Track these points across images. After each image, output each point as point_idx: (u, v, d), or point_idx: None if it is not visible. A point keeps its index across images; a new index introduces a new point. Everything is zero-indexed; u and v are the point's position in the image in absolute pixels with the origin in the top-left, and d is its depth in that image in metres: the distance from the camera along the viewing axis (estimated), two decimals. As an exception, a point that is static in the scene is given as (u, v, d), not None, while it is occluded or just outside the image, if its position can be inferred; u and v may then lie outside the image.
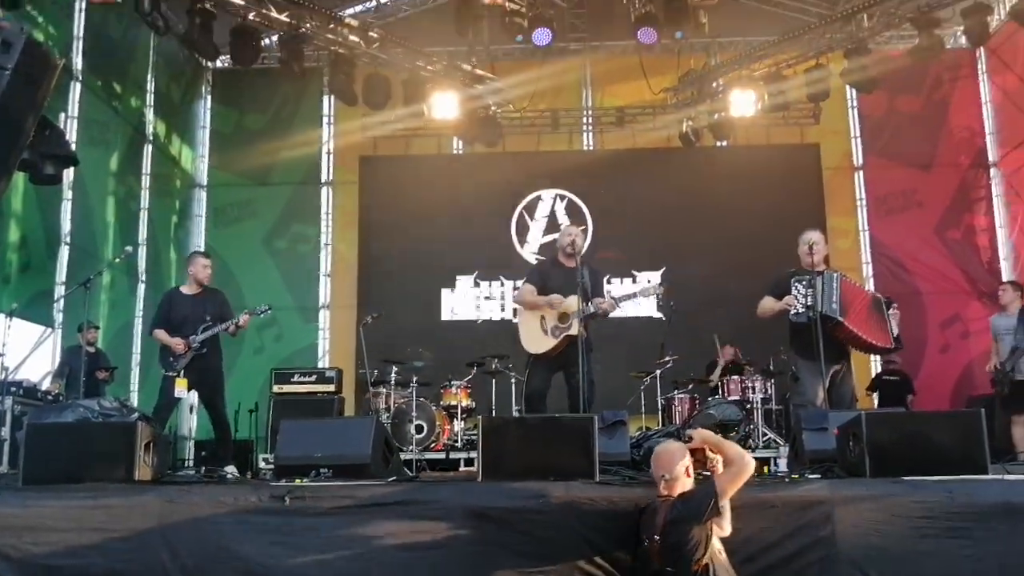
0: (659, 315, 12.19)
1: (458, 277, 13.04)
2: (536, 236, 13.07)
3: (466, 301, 12.99)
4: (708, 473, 3.85)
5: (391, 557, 4.00)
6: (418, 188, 13.18)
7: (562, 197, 13.34)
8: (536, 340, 6.47)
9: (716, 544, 3.61)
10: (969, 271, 12.82)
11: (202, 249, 12.63)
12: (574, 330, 6.21)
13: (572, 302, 6.25)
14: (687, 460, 3.82)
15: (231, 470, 6.82)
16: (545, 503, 4.01)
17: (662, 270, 12.65)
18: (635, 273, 12.74)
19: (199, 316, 7.15)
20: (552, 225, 12.90)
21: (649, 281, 6.70)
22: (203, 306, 7.21)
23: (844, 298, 6.16)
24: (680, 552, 3.55)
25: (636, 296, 6.67)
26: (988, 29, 10.42)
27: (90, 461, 4.72)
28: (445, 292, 13.01)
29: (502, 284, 12.83)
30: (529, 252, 12.94)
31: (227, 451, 7.39)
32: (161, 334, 7.14)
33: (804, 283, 6.23)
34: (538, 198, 13.33)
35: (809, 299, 6.16)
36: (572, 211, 13.24)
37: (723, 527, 3.71)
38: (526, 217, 13.22)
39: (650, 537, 3.72)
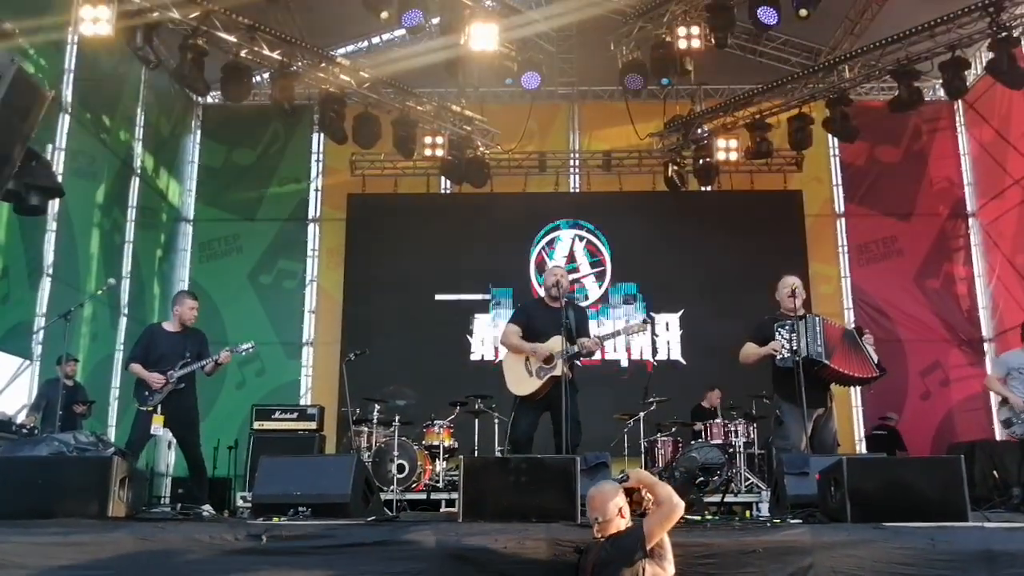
0: (645, 358, 12.27)
1: (476, 316, 13.05)
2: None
3: (487, 341, 12.95)
4: (645, 513, 3.77)
5: (369, 598, 3.94)
6: (406, 226, 13.22)
7: (581, 237, 13.45)
8: (521, 382, 6.40)
9: None
10: (948, 319, 12.95)
11: (186, 286, 12.62)
12: (559, 371, 6.16)
13: (556, 342, 6.20)
14: (620, 500, 3.74)
15: (207, 509, 6.72)
16: (526, 545, 3.97)
17: (680, 312, 12.81)
18: (653, 316, 12.80)
19: (179, 354, 7.07)
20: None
21: (644, 320, 6.71)
22: (184, 344, 7.15)
23: (827, 340, 6.21)
24: None
25: (620, 334, 6.66)
26: (966, 83, 10.63)
27: (62, 496, 4.65)
28: (459, 332, 12.98)
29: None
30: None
31: (203, 490, 7.28)
32: (138, 368, 7.05)
33: (787, 328, 6.28)
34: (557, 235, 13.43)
35: (794, 343, 6.20)
36: (590, 249, 13.38)
37: (664, 568, 3.65)
38: (545, 256, 13.32)
39: None
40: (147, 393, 7.00)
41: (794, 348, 6.17)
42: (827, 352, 6.15)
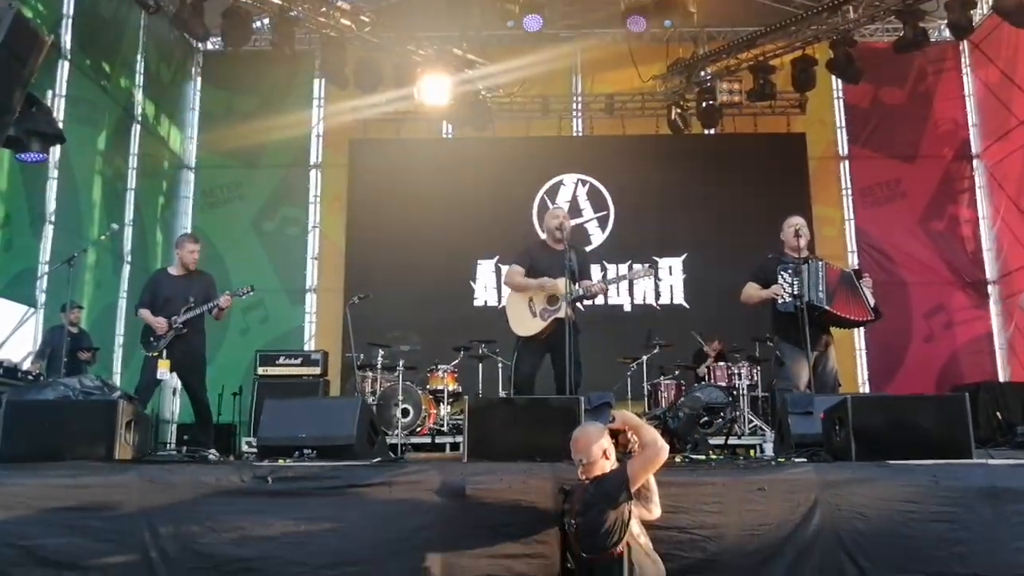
0: (648, 303, 12.29)
1: (479, 262, 13.01)
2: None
3: (490, 286, 12.94)
4: (630, 454, 3.73)
5: (375, 537, 3.97)
6: (408, 171, 13.12)
7: (584, 182, 13.34)
8: (524, 322, 6.45)
9: (635, 528, 3.55)
10: (953, 262, 12.89)
11: (189, 231, 12.55)
12: (563, 313, 6.19)
13: (562, 284, 6.22)
14: (605, 442, 3.70)
15: (212, 453, 6.78)
16: (530, 484, 3.99)
17: (683, 256, 12.79)
18: (656, 260, 12.79)
19: (183, 298, 7.11)
20: (574, 210, 13.04)
21: (649, 265, 6.71)
22: (188, 288, 7.17)
23: (829, 285, 6.19)
24: (595, 537, 3.48)
25: (624, 279, 6.66)
26: (972, 23, 10.46)
27: (70, 439, 4.68)
28: (462, 278, 12.95)
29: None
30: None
31: (208, 435, 7.33)
32: (146, 313, 7.12)
33: (790, 271, 6.26)
34: (560, 183, 13.36)
35: (796, 287, 6.18)
36: (593, 194, 13.28)
37: (650, 510, 3.67)
38: (548, 201, 13.20)
39: (568, 521, 3.69)
40: (152, 339, 7.06)
41: (796, 292, 6.17)
42: (828, 297, 6.16)
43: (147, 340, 7.12)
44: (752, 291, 6.54)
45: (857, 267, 6.51)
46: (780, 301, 6.29)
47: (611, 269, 12.71)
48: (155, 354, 7.01)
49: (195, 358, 7.26)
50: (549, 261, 6.47)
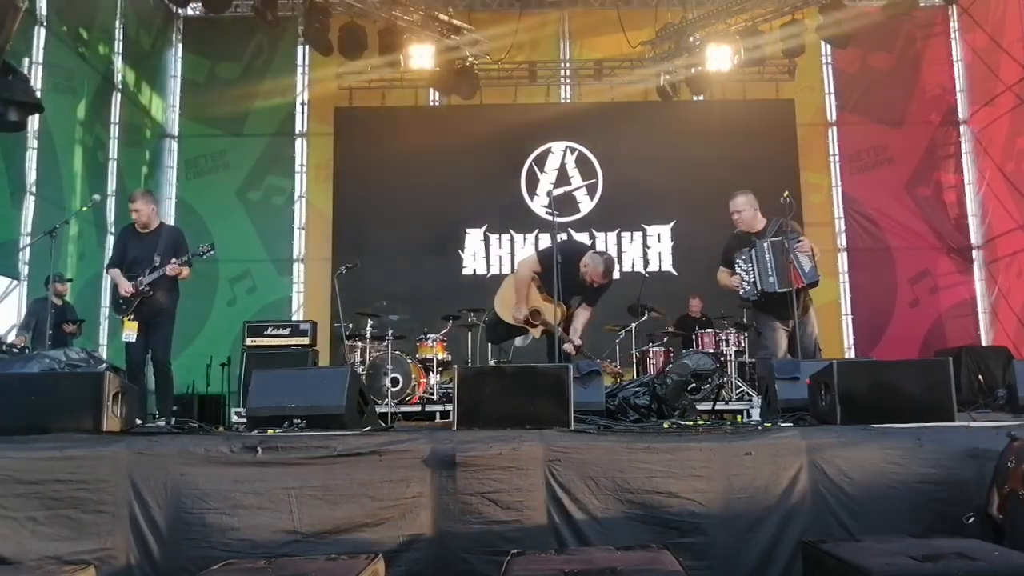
0: (636, 270, 12.33)
1: (467, 230, 12.98)
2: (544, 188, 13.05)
3: (478, 255, 12.93)
4: None
5: (365, 505, 3.99)
6: (395, 140, 13.04)
7: (572, 149, 13.28)
8: (510, 311, 6.65)
9: None
10: (938, 227, 12.96)
11: (173, 204, 12.51)
12: (536, 332, 6.58)
13: (549, 310, 6.45)
14: None
15: (161, 423, 6.53)
16: (520, 451, 4.01)
17: (672, 223, 12.83)
18: (645, 227, 12.88)
19: (149, 256, 6.87)
20: (563, 178, 13.00)
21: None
22: (154, 246, 6.91)
23: (778, 266, 6.27)
24: None
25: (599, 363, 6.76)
26: (961, -13, 10.45)
27: (56, 412, 4.63)
28: (451, 246, 12.92)
29: (512, 239, 12.83)
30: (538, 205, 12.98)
31: (165, 402, 7.07)
32: (116, 273, 6.91)
33: (744, 258, 6.43)
34: (548, 151, 13.28)
35: (752, 274, 6.35)
36: (581, 162, 13.25)
37: None
38: (536, 170, 13.18)
39: None
40: (121, 300, 6.88)
41: (752, 280, 6.34)
42: (779, 279, 6.25)
43: (116, 302, 6.94)
44: (723, 279, 6.74)
45: (783, 232, 6.48)
46: (741, 292, 6.49)
47: (600, 237, 12.74)
48: (125, 318, 6.83)
49: (160, 316, 6.95)
50: (558, 284, 6.31)
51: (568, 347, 6.42)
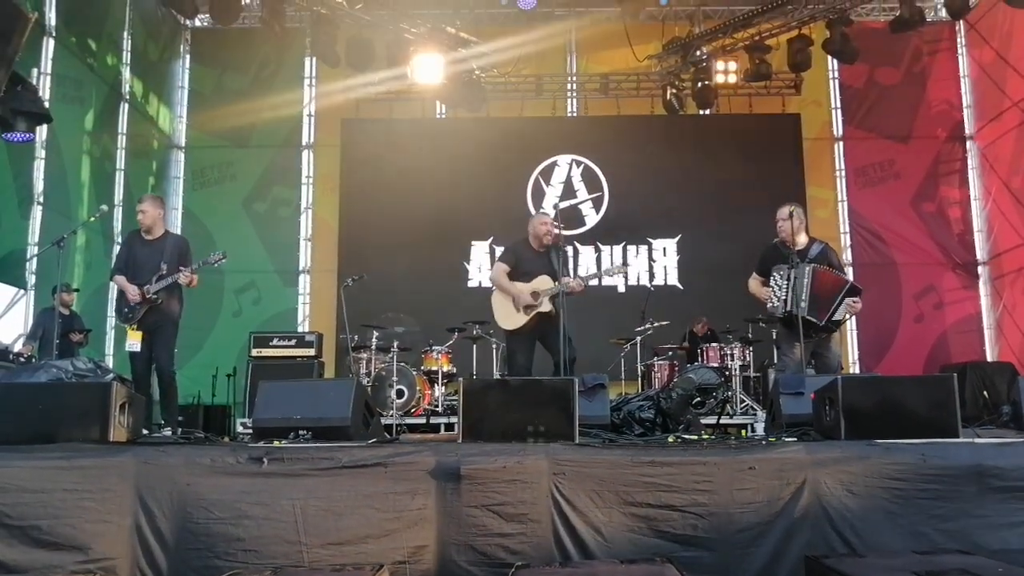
0: (642, 284, 12.33)
1: (473, 243, 13.03)
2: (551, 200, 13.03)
3: (484, 267, 12.95)
4: None
5: (370, 517, 4.00)
6: (401, 152, 13.09)
7: (578, 163, 13.31)
8: (508, 317, 6.70)
9: None
10: (943, 243, 12.97)
11: (180, 214, 12.52)
12: (545, 307, 6.51)
13: (541, 282, 6.55)
14: None
15: (166, 432, 6.48)
16: (525, 464, 4.01)
17: (678, 237, 12.83)
18: (650, 241, 12.86)
19: (154, 263, 6.76)
20: (569, 191, 13.06)
21: (625, 264, 6.83)
22: (160, 253, 6.80)
23: (815, 293, 6.23)
24: None
25: (601, 276, 6.84)
26: (968, 2, 10.44)
27: (63, 421, 4.64)
28: (456, 259, 12.97)
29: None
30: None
31: (170, 411, 6.94)
32: (121, 280, 6.79)
33: (782, 274, 6.36)
34: (554, 163, 13.33)
35: (784, 291, 6.29)
36: (587, 176, 13.28)
37: None
38: (542, 183, 13.23)
39: None
40: (126, 308, 6.79)
41: (784, 298, 6.29)
42: (810, 307, 6.20)
43: (120, 309, 6.85)
44: (754, 287, 6.72)
45: (853, 283, 6.48)
46: (769, 305, 6.45)
47: (605, 251, 12.75)
48: (131, 327, 6.75)
49: (164, 324, 6.84)
50: (533, 262, 6.71)
51: (573, 284, 6.50)
